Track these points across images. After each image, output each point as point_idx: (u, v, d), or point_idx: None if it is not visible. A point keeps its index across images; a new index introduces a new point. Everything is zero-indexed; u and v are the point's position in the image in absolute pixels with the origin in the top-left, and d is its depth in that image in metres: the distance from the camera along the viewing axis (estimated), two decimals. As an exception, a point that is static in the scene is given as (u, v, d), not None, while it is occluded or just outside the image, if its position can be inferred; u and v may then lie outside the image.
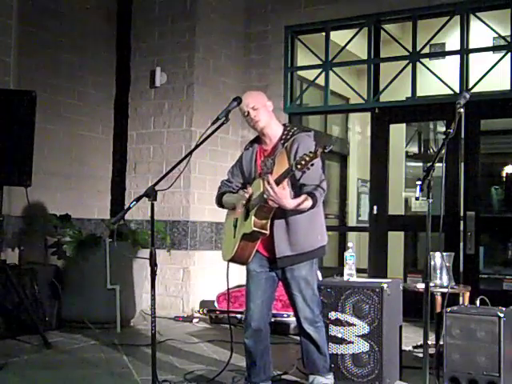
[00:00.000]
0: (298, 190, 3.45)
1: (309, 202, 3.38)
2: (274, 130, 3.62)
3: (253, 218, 3.39)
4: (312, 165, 3.12)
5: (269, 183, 3.24)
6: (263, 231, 3.42)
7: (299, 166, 3.11)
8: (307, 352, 3.66)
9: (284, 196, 3.28)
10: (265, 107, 3.60)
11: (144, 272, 5.98)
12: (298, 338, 3.74)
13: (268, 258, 3.58)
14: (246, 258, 3.55)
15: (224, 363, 4.05)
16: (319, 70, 7.31)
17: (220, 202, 3.80)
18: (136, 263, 5.91)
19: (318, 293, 3.96)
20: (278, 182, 3.26)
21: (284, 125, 3.69)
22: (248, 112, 3.57)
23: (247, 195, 3.52)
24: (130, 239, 5.89)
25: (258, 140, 3.71)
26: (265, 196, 3.29)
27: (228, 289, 3.80)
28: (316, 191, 3.41)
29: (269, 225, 3.43)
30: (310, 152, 3.10)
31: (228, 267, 3.68)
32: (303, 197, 3.39)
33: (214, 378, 3.97)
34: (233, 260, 3.59)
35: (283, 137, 3.56)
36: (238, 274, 4.78)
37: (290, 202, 3.33)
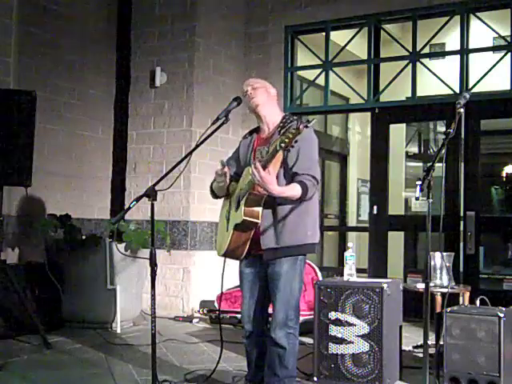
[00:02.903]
0: (290, 178, 3.33)
1: (297, 191, 3.23)
2: (273, 115, 3.54)
3: (243, 207, 3.29)
4: (296, 141, 3.00)
5: (256, 167, 3.13)
6: (254, 220, 3.29)
7: (283, 145, 3.01)
8: (269, 359, 3.44)
9: (269, 181, 3.14)
10: (265, 89, 3.54)
11: (144, 272, 5.98)
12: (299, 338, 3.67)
13: (255, 253, 3.44)
14: (240, 252, 3.42)
15: (224, 363, 4.05)
16: (319, 70, 7.31)
17: (212, 190, 3.71)
18: (136, 263, 5.91)
19: (318, 292, 3.97)
20: (265, 164, 3.16)
21: (285, 115, 3.58)
22: (247, 90, 3.53)
23: (226, 170, 3.46)
24: (130, 239, 5.89)
25: (258, 130, 3.64)
26: (251, 179, 3.19)
27: (222, 287, 3.71)
28: (307, 180, 3.28)
29: (261, 213, 3.30)
30: (293, 129, 3.01)
31: (224, 265, 3.58)
32: (291, 185, 3.28)
33: (208, 377, 3.96)
34: (226, 254, 3.47)
35: (281, 124, 3.45)
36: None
37: (275, 188, 3.17)
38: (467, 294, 4.86)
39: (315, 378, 3.97)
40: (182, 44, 7.04)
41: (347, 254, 4.25)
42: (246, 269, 3.56)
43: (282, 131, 3.21)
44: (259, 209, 3.31)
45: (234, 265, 3.67)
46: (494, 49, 6.96)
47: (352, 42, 7.22)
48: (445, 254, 4.87)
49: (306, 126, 3.00)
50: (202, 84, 7.04)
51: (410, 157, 9.98)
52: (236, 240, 3.39)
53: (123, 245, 5.77)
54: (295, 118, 3.52)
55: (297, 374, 3.60)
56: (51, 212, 6.16)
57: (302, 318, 5.59)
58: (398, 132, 8.61)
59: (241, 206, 3.32)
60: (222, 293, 3.67)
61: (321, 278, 5.98)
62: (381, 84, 7.05)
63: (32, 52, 6.41)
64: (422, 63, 6.86)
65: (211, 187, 3.71)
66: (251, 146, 3.59)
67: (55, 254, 5.85)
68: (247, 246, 3.41)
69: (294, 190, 3.26)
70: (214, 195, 3.71)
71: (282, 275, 3.38)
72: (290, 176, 3.34)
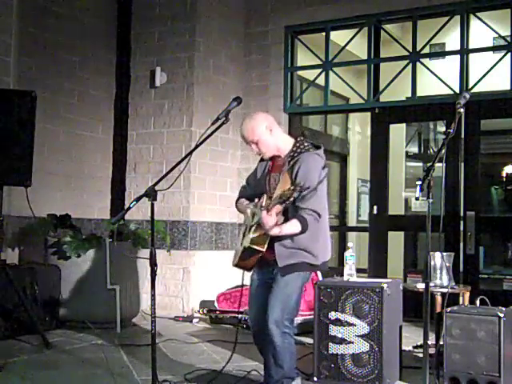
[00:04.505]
0: (293, 211, 3.41)
1: (296, 227, 3.35)
2: (283, 148, 3.58)
3: (251, 235, 3.43)
4: (294, 199, 3.19)
5: (269, 207, 3.26)
6: (259, 248, 3.43)
7: (281, 200, 3.17)
8: (265, 358, 3.54)
9: (268, 223, 3.28)
10: (264, 136, 3.53)
11: (144, 272, 5.98)
12: (298, 338, 3.70)
13: (270, 260, 3.51)
14: (248, 267, 3.62)
15: (225, 363, 4.05)
16: (319, 70, 7.31)
17: (237, 206, 3.84)
18: (136, 263, 5.91)
19: (318, 292, 3.98)
20: (267, 208, 3.27)
21: (296, 139, 3.61)
22: (250, 145, 3.59)
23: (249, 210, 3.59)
24: (130, 239, 5.89)
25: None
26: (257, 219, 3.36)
27: (243, 285, 3.82)
28: (308, 215, 3.37)
29: (267, 243, 3.40)
30: (289, 189, 3.14)
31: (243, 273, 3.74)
32: (288, 224, 3.37)
33: (213, 379, 3.96)
34: (237, 267, 3.65)
35: (291, 154, 3.51)
36: (239, 274, 4.78)
37: (273, 231, 3.31)
38: (467, 294, 4.86)
39: (315, 378, 3.97)
40: (182, 44, 7.04)
41: (347, 253, 4.25)
42: (256, 275, 3.69)
43: (284, 192, 3.20)
44: (266, 238, 3.41)
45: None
46: (494, 49, 6.96)
47: (352, 42, 7.22)
48: (445, 253, 4.86)
49: (301, 191, 3.17)
50: (202, 84, 7.04)
51: (409, 157, 9.99)
52: (244, 258, 3.56)
53: (123, 245, 5.76)
54: (305, 145, 3.54)
55: (297, 375, 3.60)
56: (51, 212, 6.16)
57: (301, 318, 5.61)
58: (397, 132, 8.61)
59: (250, 232, 3.45)
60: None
61: (321, 278, 5.98)
62: (381, 84, 7.05)
63: (32, 52, 6.41)
64: (422, 63, 6.86)
65: (237, 205, 3.81)
66: (266, 170, 3.66)
67: (55, 254, 5.85)
68: (255, 263, 3.57)
69: (293, 228, 3.37)
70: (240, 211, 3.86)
71: (285, 279, 3.46)
72: (293, 210, 3.41)
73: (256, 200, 3.58)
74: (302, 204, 3.38)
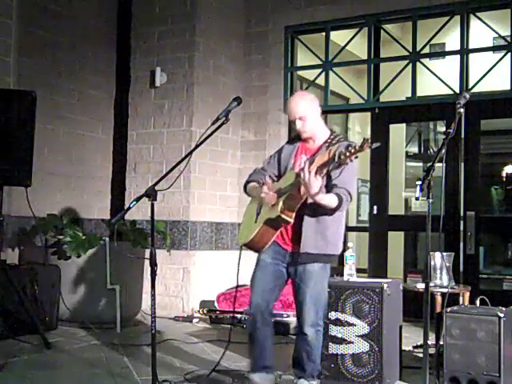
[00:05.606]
0: (329, 189, 3.45)
1: (334, 202, 3.38)
2: (319, 135, 3.63)
3: (281, 203, 3.42)
4: (356, 157, 3.08)
5: (309, 169, 3.22)
6: (288, 219, 3.43)
7: (342, 157, 3.08)
8: (298, 354, 3.65)
9: (315, 184, 3.23)
10: (312, 117, 3.58)
11: (144, 272, 5.98)
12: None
13: (289, 252, 3.58)
14: (263, 244, 3.56)
15: (224, 363, 4.05)
16: (319, 70, 7.31)
17: (245, 189, 3.83)
18: (136, 263, 5.91)
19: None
20: (317, 170, 3.23)
21: (331, 130, 3.69)
22: (295, 120, 3.59)
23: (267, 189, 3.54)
24: (130, 239, 5.89)
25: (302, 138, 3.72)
26: (299, 180, 3.28)
27: (237, 282, 3.79)
28: (343, 194, 3.42)
29: (294, 215, 3.44)
30: (358, 146, 3.06)
31: (240, 257, 3.69)
32: (328, 195, 3.40)
33: (208, 374, 3.96)
34: (249, 245, 3.59)
35: (328, 140, 3.56)
36: (240, 274, 4.77)
37: (318, 193, 3.28)
38: (467, 294, 4.86)
39: (315, 378, 3.97)
40: (181, 44, 7.04)
41: (347, 254, 4.25)
42: (269, 259, 3.64)
43: (345, 150, 3.15)
44: (294, 210, 3.45)
45: (233, 264, 3.69)
46: (494, 49, 6.96)
47: (352, 42, 7.22)
48: (445, 253, 4.87)
49: (370, 147, 3.06)
50: (202, 84, 7.04)
51: (409, 157, 9.99)
52: (263, 233, 3.53)
53: (123, 245, 5.76)
54: (341, 136, 3.64)
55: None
56: (51, 212, 6.16)
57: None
58: (397, 132, 8.61)
59: (279, 201, 3.44)
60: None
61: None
62: (381, 84, 7.04)
63: (32, 52, 6.41)
64: (422, 63, 6.85)
65: (246, 186, 3.82)
66: (294, 152, 3.67)
67: (55, 254, 5.85)
68: (270, 241, 3.54)
69: (332, 200, 3.39)
70: (248, 195, 3.85)
71: (314, 274, 3.54)
72: (330, 187, 3.46)
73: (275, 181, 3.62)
74: (339, 183, 3.43)
